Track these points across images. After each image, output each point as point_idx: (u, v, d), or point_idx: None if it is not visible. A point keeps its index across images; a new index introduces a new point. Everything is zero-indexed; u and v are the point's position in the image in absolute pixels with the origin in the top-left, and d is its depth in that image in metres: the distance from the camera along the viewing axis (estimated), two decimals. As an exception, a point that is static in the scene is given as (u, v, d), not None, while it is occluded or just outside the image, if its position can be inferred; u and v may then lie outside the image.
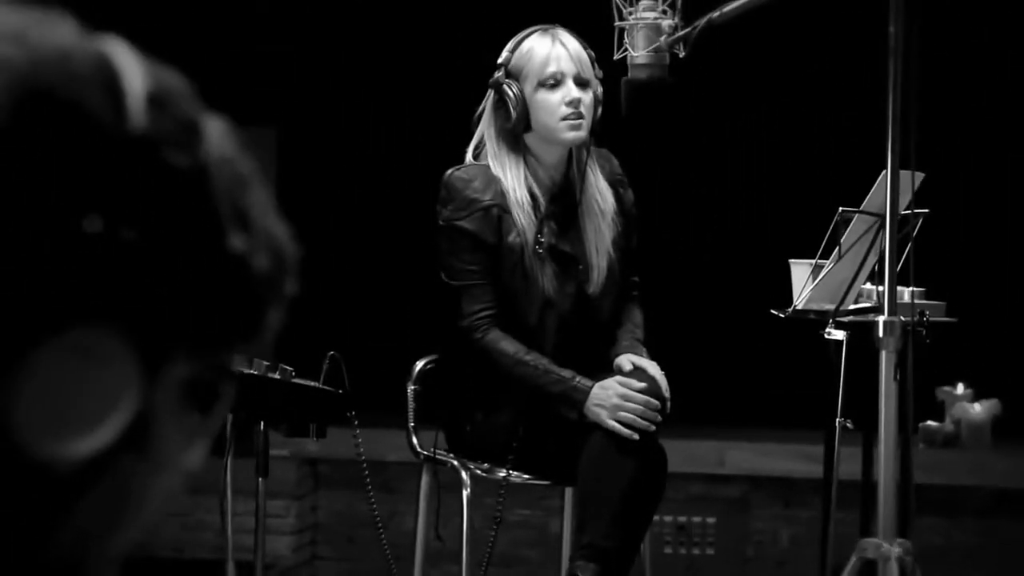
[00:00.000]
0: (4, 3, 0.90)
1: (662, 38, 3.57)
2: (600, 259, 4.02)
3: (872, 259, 3.68)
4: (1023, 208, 6.31)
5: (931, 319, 3.44)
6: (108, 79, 0.88)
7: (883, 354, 2.95)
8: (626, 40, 3.62)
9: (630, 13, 3.62)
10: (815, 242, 4.31)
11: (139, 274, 0.86)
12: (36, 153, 0.84)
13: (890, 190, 2.95)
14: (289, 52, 7.00)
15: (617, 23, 3.65)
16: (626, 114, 3.63)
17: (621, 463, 3.82)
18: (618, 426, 3.83)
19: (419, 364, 4.26)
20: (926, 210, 3.68)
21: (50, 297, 0.84)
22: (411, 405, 4.21)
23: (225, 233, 0.89)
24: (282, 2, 6.98)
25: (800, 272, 4.16)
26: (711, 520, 5.78)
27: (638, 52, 3.59)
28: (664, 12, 3.61)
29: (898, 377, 2.99)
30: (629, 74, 3.62)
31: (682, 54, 3.52)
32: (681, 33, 3.51)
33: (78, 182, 0.85)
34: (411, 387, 4.22)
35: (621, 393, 3.85)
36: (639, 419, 3.84)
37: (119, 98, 0.87)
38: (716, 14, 3.38)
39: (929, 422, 5.84)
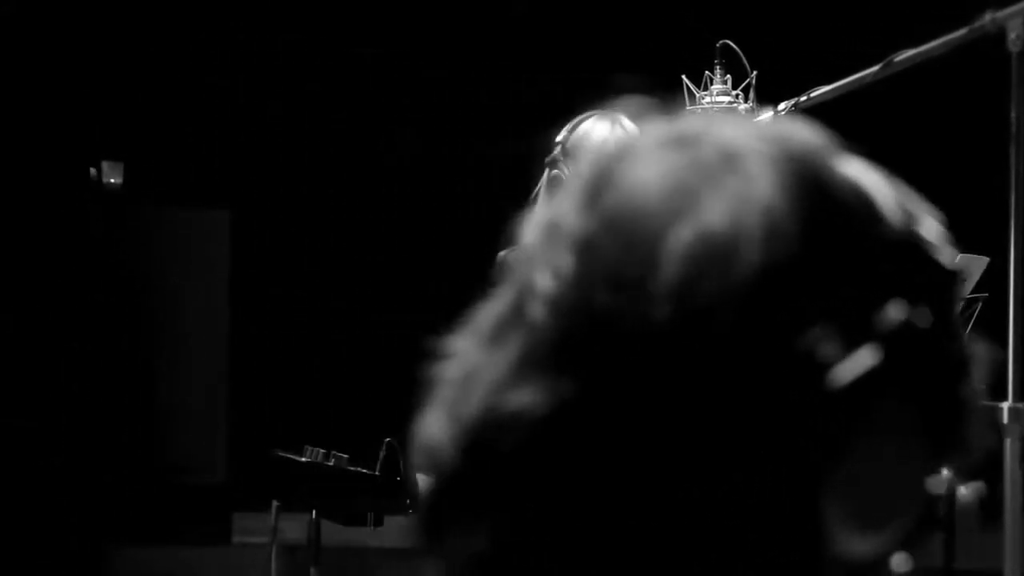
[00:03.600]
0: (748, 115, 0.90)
1: (737, 122, 3.56)
2: (650, 342, 4.00)
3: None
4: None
5: None
6: (853, 183, 0.87)
7: (1008, 442, 2.94)
8: (699, 124, 3.61)
9: (703, 97, 3.62)
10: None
11: (929, 364, 0.84)
12: (836, 248, 0.83)
13: (1013, 273, 2.96)
14: (243, 133, 6.93)
15: (688, 107, 3.64)
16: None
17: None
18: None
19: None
20: (986, 294, 3.72)
21: (873, 383, 0.81)
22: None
23: (959, 332, 0.89)
24: (230, 84, 6.90)
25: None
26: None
27: (712, 136, 3.58)
28: (736, 96, 3.61)
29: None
30: (702, 158, 3.61)
31: (762, 138, 3.52)
32: (762, 118, 3.51)
33: (877, 272, 0.83)
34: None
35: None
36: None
37: (870, 200, 0.86)
38: (803, 98, 3.39)
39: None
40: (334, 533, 3.94)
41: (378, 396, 6.59)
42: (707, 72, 3.62)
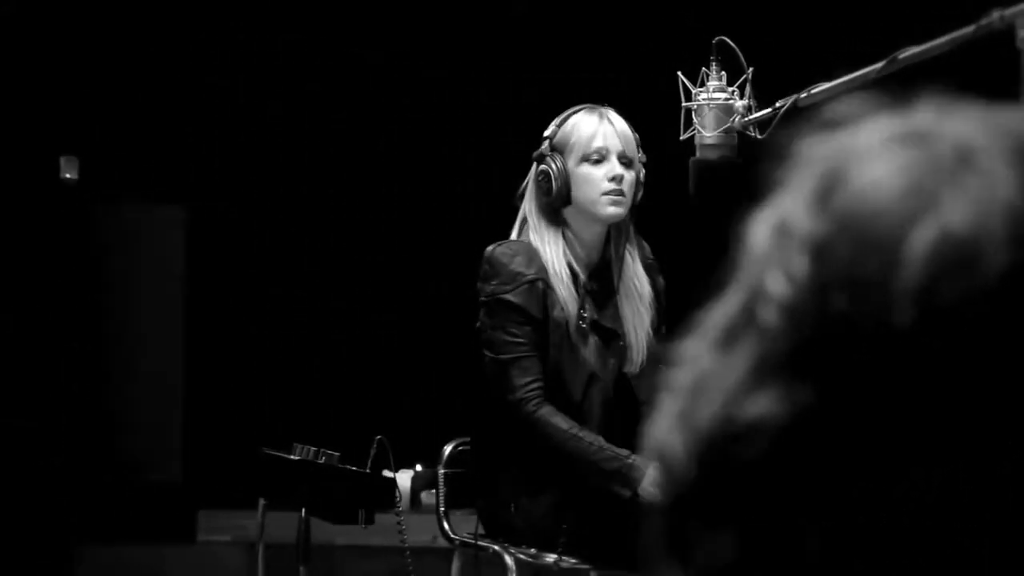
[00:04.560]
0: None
1: (734, 119, 3.56)
2: (640, 340, 4.01)
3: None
4: None
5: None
6: None
7: None
8: (695, 120, 3.61)
9: (698, 94, 3.61)
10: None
11: None
12: None
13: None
14: (200, 127, 6.86)
15: (684, 104, 3.63)
16: (693, 194, 3.61)
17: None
18: (675, 509, 3.77)
19: (448, 447, 4.17)
20: None
21: None
22: (441, 489, 4.11)
23: None
24: (190, 81, 6.84)
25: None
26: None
27: (709, 133, 3.57)
28: (732, 93, 3.60)
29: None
30: (698, 154, 3.60)
31: (759, 136, 3.51)
32: (760, 115, 3.50)
33: None
34: (441, 470, 4.13)
35: (678, 475, 3.80)
36: (697, 501, 3.80)
37: None
38: (803, 95, 3.38)
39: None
40: (321, 531, 3.90)
41: (365, 394, 6.54)
42: (703, 68, 3.61)
